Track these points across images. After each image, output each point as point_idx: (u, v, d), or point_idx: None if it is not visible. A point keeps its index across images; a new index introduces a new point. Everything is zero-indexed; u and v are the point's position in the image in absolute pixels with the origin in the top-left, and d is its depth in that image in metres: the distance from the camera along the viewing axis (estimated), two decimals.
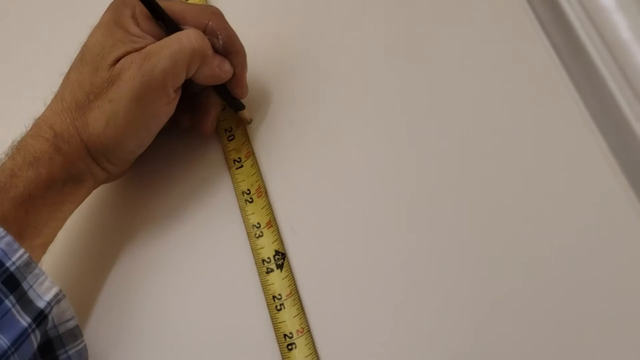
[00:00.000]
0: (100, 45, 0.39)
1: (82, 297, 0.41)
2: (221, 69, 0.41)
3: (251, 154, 0.43)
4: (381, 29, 0.44)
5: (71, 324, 0.37)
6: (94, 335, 0.39)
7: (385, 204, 0.39)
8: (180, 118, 0.43)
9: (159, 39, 0.39)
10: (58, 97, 0.39)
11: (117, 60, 0.38)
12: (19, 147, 0.38)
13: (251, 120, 0.44)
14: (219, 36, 0.40)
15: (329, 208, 0.40)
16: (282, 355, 0.37)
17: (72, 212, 0.40)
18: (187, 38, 0.39)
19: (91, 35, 0.40)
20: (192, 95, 0.43)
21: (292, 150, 0.43)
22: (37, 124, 0.39)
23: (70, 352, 0.37)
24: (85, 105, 0.38)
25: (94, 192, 0.41)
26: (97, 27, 0.40)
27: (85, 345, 0.38)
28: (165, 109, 0.39)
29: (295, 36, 0.46)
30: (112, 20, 0.39)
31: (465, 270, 0.36)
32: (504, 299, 0.35)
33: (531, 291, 0.34)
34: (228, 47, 0.41)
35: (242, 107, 0.44)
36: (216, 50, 0.41)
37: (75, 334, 0.37)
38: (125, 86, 0.38)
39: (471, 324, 0.35)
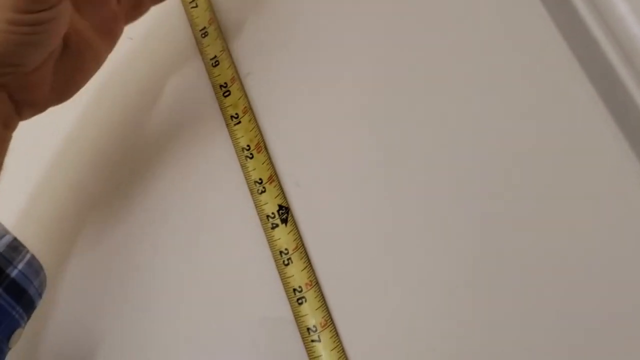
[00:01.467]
0: None
1: (80, 257, 0.42)
2: None
3: (248, 109, 0.42)
4: None
5: (7, 238, 0.35)
6: (93, 296, 0.39)
7: (390, 152, 0.38)
8: None
9: None
10: None
11: None
12: None
13: None
14: None
15: (331, 159, 0.39)
16: (292, 310, 0.37)
17: None
18: None
19: None
20: None
21: (290, 103, 0.42)
22: None
23: (19, 267, 0.36)
24: None
25: (87, 159, 0.40)
26: None
27: (32, 254, 0.36)
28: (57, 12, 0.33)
29: None
30: None
31: (473, 222, 0.35)
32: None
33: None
34: None
35: None
36: None
37: (16, 246, 0.36)
38: None
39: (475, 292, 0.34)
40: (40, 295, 0.37)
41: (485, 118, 0.36)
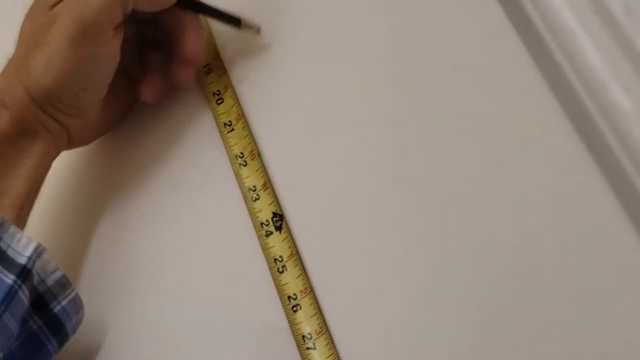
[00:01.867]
0: None
1: (76, 256, 0.42)
2: None
3: (241, 116, 0.42)
4: None
5: (57, 274, 0.37)
6: (89, 304, 0.39)
7: (385, 158, 0.38)
8: (165, 74, 0.43)
9: None
10: (9, 56, 0.40)
11: (54, 6, 0.38)
12: None
13: (259, 29, 0.43)
14: None
15: (326, 165, 0.39)
16: (287, 318, 0.36)
17: (35, 169, 0.39)
18: None
19: None
20: (170, 37, 0.42)
21: (284, 109, 0.41)
22: None
23: (63, 303, 0.37)
24: (27, 54, 0.38)
25: (83, 166, 0.41)
26: None
27: (77, 293, 0.38)
28: (105, 49, 0.39)
29: None
30: None
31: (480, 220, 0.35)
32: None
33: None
34: None
35: (238, 19, 0.42)
36: None
37: (64, 283, 0.37)
38: (59, 28, 0.37)
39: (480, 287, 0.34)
40: (74, 331, 0.38)
41: (485, 124, 0.36)
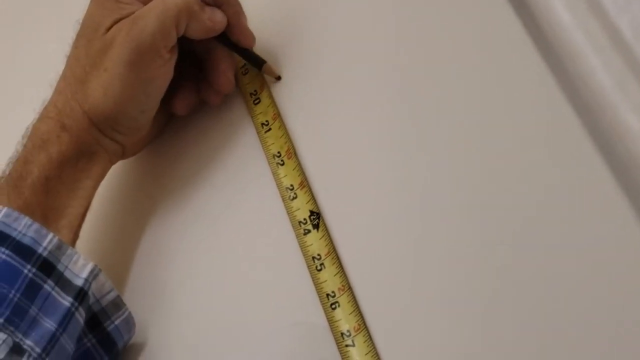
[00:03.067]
0: (92, 17, 0.40)
1: (117, 270, 0.42)
2: (212, 21, 0.40)
3: (278, 115, 0.42)
4: None
5: (112, 295, 0.38)
6: (132, 305, 0.40)
7: (421, 154, 0.37)
8: (197, 88, 0.43)
9: (147, 3, 0.39)
10: (61, 76, 0.41)
11: (109, 29, 0.39)
12: (29, 133, 0.39)
13: (279, 76, 0.43)
14: None
15: (362, 163, 0.39)
16: (326, 316, 0.36)
17: (92, 189, 0.40)
18: None
19: (86, 11, 0.40)
20: (202, 60, 0.43)
21: (320, 107, 0.42)
22: (44, 105, 0.40)
23: (116, 322, 0.38)
24: (83, 78, 0.39)
25: (122, 168, 0.42)
26: (90, 2, 0.41)
27: (129, 312, 0.39)
28: (162, 71, 0.40)
29: None
30: None
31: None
32: None
33: None
34: None
35: (262, 61, 0.43)
36: (207, 3, 0.40)
37: (118, 303, 0.38)
38: (116, 53, 0.38)
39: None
40: (124, 347, 0.39)
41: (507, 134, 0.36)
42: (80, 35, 0.40)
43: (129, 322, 0.39)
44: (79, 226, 0.40)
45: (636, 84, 0.31)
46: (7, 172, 0.39)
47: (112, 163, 0.42)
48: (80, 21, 0.41)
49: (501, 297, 0.33)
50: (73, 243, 0.39)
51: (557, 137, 0.34)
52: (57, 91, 0.40)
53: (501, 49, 0.37)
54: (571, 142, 0.33)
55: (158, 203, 0.44)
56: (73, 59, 0.40)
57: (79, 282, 0.36)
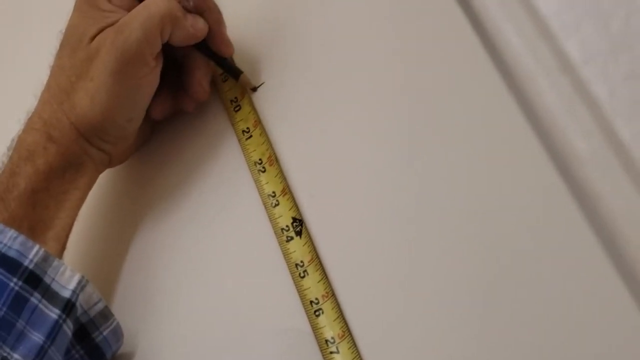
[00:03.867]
0: (76, 27, 0.39)
1: (105, 279, 0.43)
2: (195, 28, 0.40)
3: (258, 122, 0.42)
4: None
5: (99, 306, 0.38)
6: (120, 314, 0.40)
7: (403, 161, 0.38)
8: (174, 95, 0.43)
9: (130, 10, 0.39)
10: (45, 86, 0.40)
11: (93, 39, 0.39)
12: (15, 145, 0.39)
13: (255, 87, 0.43)
14: None
15: (344, 169, 0.39)
16: (310, 322, 0.37)
17: (80, 200, 0.40)
18: (155, 4, 0.39)
19: (68, 20, 0.40)
20: (180, 67, 0.43)
21: (300, 114, 0.42)
22: (29, 116, 0.40)
23: (104, 333, 0.38)
24: (69, 88, 0.39)
25: (107, 177, 0.42)
26: (73, 11, 0.40)
27: (117, 322, 0.39)
28: (148, 79, 0.40)
29: None
30: (84, 1, 0.40)
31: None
32: None
33: None
34: (199, 6, 0.41)
35: (239, 71, 0.43)
36: (189, 10, 0.40)
37: (106, 314, 0.38)
38: (102, 62, 0.38)
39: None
40: (113, 356, 0.39)
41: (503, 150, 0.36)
42: (63, 45, 0.40)
43: (117, 333, 0.39)
44: (67, 237, 0.40)
45: (583, 107, 0.32)
46: None
47: (99, 172, 0.42)
48: (63, 31, 0.40)
49: (484, 305, 0.33)
50: (60, 254, 0.39)
51: (515, 153, 0.35)
52: (42, 102, 0.40)
53: (465, 72, 0.37)
54: (527, 156, 0.34)
55: (142, 212, 0.44)
56: (57, 69, 0.40)
57: (66, 293, 0.36)
